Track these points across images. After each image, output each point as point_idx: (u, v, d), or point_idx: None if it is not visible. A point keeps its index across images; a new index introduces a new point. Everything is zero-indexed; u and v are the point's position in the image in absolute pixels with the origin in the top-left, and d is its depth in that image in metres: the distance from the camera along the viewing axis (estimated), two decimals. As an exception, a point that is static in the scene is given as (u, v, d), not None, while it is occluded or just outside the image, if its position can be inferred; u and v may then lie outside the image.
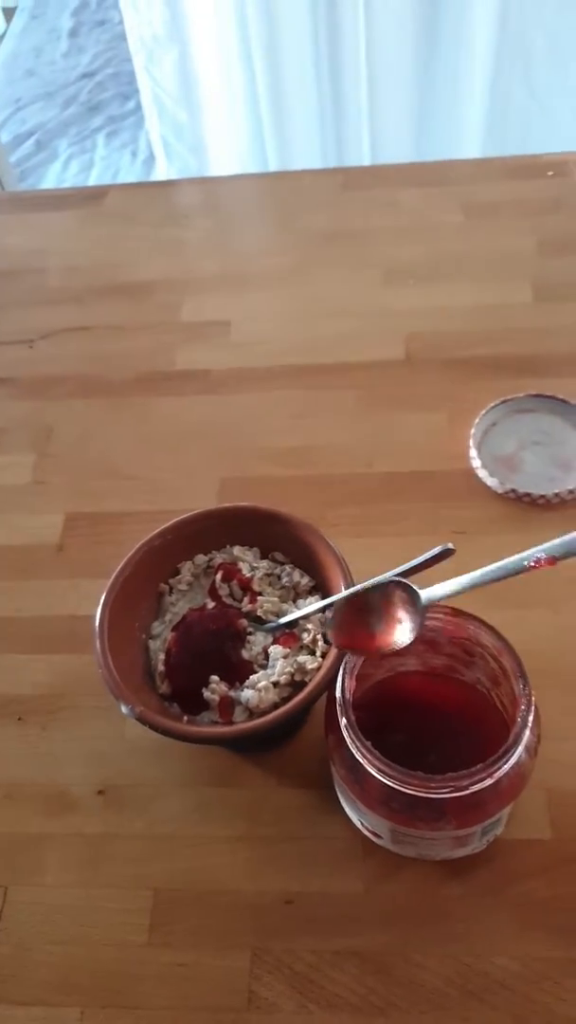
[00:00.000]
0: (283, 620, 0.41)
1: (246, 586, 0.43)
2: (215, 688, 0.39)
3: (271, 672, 0.39)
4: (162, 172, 1.67)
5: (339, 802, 0.42)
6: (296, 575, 0.43)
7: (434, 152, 1.39)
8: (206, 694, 0.39)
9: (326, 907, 0.41)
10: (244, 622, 0.41)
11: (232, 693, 0.39)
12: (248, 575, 0.43)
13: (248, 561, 0.44)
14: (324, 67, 1.38)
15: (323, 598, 0.42)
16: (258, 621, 0.42)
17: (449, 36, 1.27)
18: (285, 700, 0.39)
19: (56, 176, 2.03)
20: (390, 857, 0.41)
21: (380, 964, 0.39)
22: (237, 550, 0.44)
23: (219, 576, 0.43)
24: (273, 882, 0.42)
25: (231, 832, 0.43)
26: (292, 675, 0.39)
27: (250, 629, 0.41)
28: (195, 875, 0.42)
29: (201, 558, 0.44)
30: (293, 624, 0.41)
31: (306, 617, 0.41)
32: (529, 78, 1.27)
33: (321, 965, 0.39)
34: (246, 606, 0.42)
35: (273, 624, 0.41)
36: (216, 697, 0.39)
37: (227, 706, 0.39)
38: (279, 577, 0.44)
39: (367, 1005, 0.38)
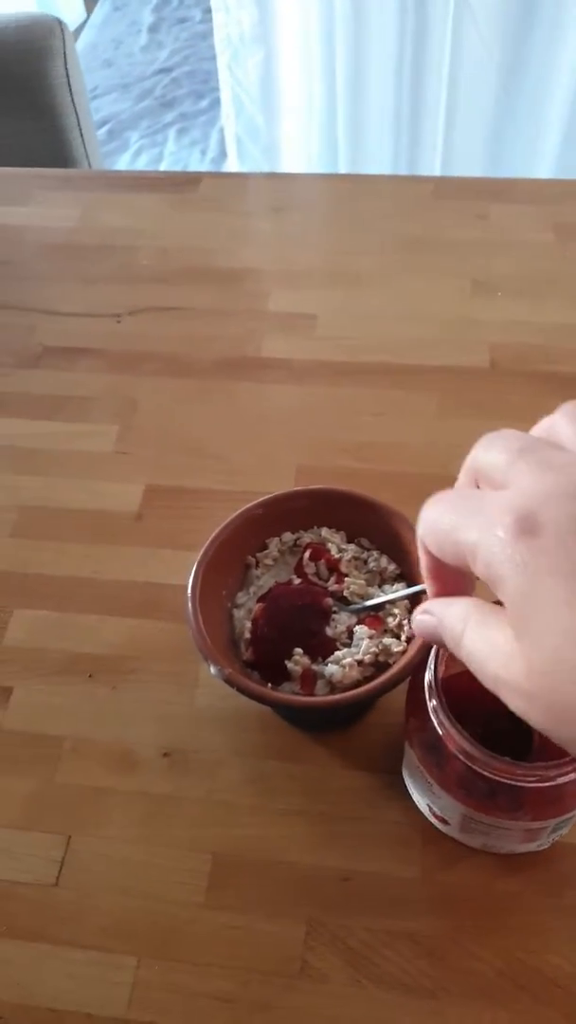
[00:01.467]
0: (370, 603, 0.42)
1: (333, 567, 0.43)
2: (299, 660, 0.40)
3: (356, 650, 0.40)
4: (233, 171, 1.69)
5: (401, 788, 0.43)
6: (383, 561, 0.44)
7: (505, 174, 1.40)
8: (289, 665, 0.40)
9: (382, 888, 0.42)
10: (330, 600, 0.42)
11: (315, 667, 0.40)
12: (336, 556, 0.44)
13: (336, 543, 0.44)
14: (405, 77, 1.40)
15: (409, 586, 0.42)
16: (343, 602, 0.43)
17: (534, 55, 1.28)
18: (367, 679, 0.40)
19: (126, 166, 2.06)
20: (449, 847, 0.42)
21: (433, 948, 0.40)
22: (325, 531, 0.45)
23: (307, 554, 0.44)
24: (330, 858, 0.43)
25: (291, 806, 0.44)
26: (376, 655, 0.40)
27: (335, 608, 0.42)
28: (254, 843, 0.43)
29: (288, 536, 0.45)
30: (379, 608, 0.42)
31: (392, 602, 0.42)
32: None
33: (374, 943, 0.40)
34: (332, 586, 0.43)
35: (359, 605, 0.42)
36: (299, 669, 0.40)
37: (309, 679, 0.40)
38: (365, 562, 0.44)
39: (418, 986, 0.39)
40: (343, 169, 1.56)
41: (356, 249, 0.72)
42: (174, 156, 2.11)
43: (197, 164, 2.07)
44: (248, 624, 0.42)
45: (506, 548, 0.21)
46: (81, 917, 0.41)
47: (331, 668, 0.40)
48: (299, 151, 1.61)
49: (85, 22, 2.58)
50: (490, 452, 0.24)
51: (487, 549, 0.22)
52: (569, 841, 0.41)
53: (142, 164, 2.08)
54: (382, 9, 1.32)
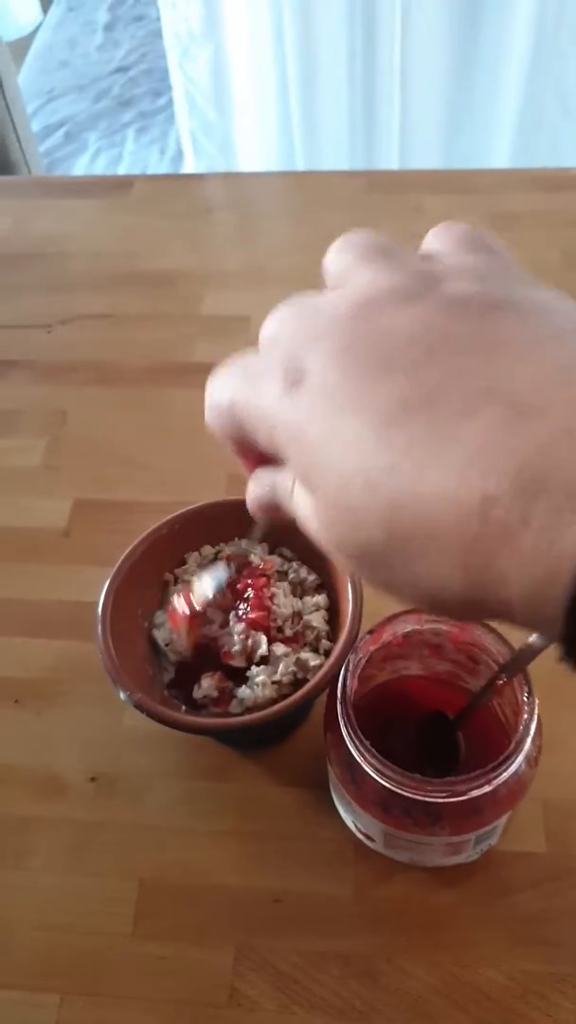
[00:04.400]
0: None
1: (259, 578, 0.42)
2: (210, 684, 0.39)
3: (271, 669, 0.39)
4: (190, 169, 1.67)
5: (333, 803, 0.42)
6: (303, 572, 0.43)
7: (463, 161, 1.39)
8: (204, 685, 0.39)
9: (314, 908, 0.40)
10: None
11: (232, 686, 0.39)
12: (259, 565, 0.42)
13: (258, 554, 0.43)
14: (357, 71, 1.39)
15: (329, 596, 0.41)
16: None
17: (484, 46, 1.27)
18: (284, 696, 0.38)
19: (84, 168, 2.04)
20: (382, 862, 0.40)
21: (366, 968, 0.39)
22: (245, 543, 0.44)
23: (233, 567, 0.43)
24: (261, 879, 0.41)
25: (221, 827, 0.43)
26: (295, 673, 0.39)
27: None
28: (182, 867, 0.42)
29: (208, 549, 0.44)
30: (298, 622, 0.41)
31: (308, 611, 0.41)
32: (562, 94, 1.27)
33: (306, 966, 0.39)
34: (252, 613, 0.42)
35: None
36: (215, 693, 0.39)
37: (225, 699, 0.39)
38: (286, 573, 0.43)
39: (350, 1009, 0.38)
40: (300, 163, 1.54)
41: (290, 247, 0.71)
42: (133, 156, 2.09)
43: (156, 163, 2.05)
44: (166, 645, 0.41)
45: (274, 410, 0.20)
46: (3, 956, 0.40)
47: (243, 691, 0.38)
48: (255, 146, 1.60)
49: (40, 24, 2.54)
50: (335, 259, 0.22)
51: (258, 414, 0.21)
52: (501, 849, 0.40)
53: (101, 165, 2.05)
54: (330, 1, 1.31)
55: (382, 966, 0.39)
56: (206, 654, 0.40)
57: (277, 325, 0.21)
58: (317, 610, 0.41)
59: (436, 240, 0.23)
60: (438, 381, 0.17)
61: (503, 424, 0.16)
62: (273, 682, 0.38)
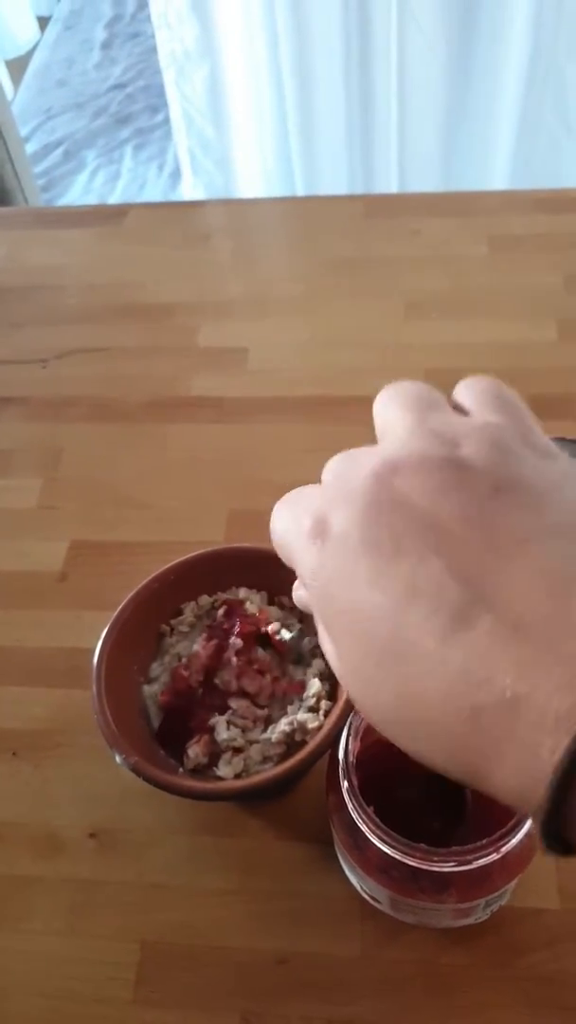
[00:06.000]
0: None
1: (250, 626, 0.41)
2: (197, 750, 0.38)
3: (269, 732, 0.38)
4: (188, 186, 1.67)
5: (338, 859, 0.40)
6: (299, 633, 0.42)
7: (462, 182, 1.38)
8: (191, 755, 0.38)
9: (321, 970, 0.39)
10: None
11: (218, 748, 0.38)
12: (252, 613, 0.41)
13: (256, 603, 0.42)
14: (354, 89, 1.38)
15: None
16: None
17: (481, 65, 1.26)
18: (282, 756, 0.37)
19: (83, 186, 2.04)
20: (389, 920, 0.39)
21: (374, 1036, 0.37)
22: (243, 592, 0.43)
23: (221, 611, 0.42)
24: (266, 940, 0.40)
25: (225, 885, 0.42)
26: (292, 734, 0.38)
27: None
28: (185, 929, 0.41)
29: (205, 599, 0.43)
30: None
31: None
32: (562, 111, 1.26)
33: (313, 1033, 0.38)
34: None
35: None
36: (204, 759, 0.38)
37: (215, 761, 0.38)
38: (279, 632, 0.42)
39: (359, 1080, 0.37)
40: (298, 180, 1.53)
41: (286, 275, 0.70)
42: (132, 173, 2.09)
43: (155, 180, 2.05)
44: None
45: (303, 554, 0.22)
46: None
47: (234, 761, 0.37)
48: (253, 163, 1.59)
49: (37, 43, 2.55)
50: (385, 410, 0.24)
51: (295, 554, 0.22)
52: (511, 905, 0.39)
53: (99, 183, 2.05)
54: (326, 19, 1.30)
55: (391, 1033, 0.37)
56: (191, 703, 0.39)
57: (330, 470, 0.23)
58: (316, 676, 0.40)
59: (465, 392, 0.25)
60: (439, 577, 0.19)
61: (492, 638, 0.18)
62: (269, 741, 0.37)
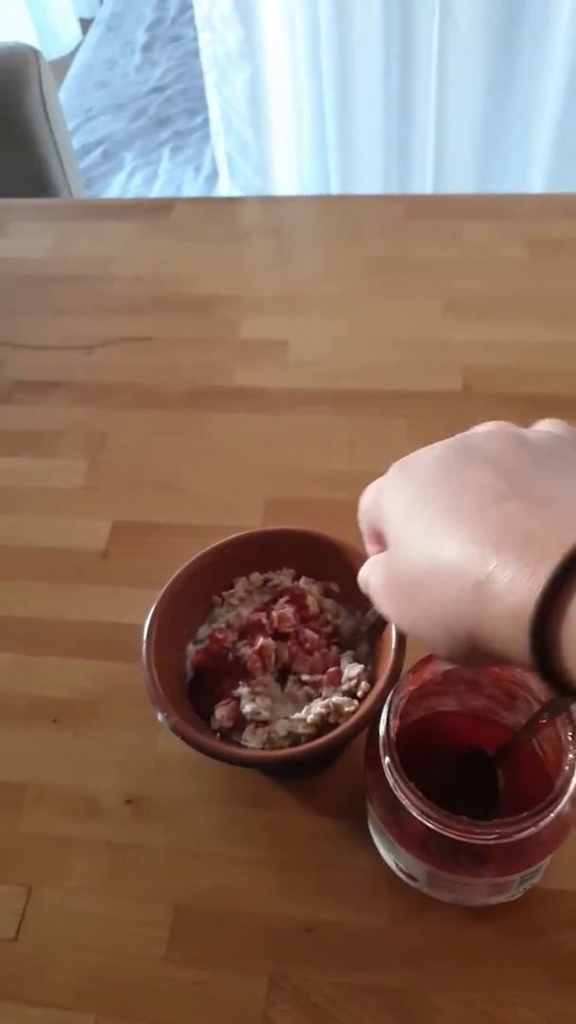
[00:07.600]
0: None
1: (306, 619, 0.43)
2: (224, 712, 0.40)
3: (304, 712, 0.39)
4: (224, 189, 1.69)
5: (369, 835, 0.42)
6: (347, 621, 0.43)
7: (497, 186, 1.39)
8: (218, 716, 0.40)
9: (347, 939, 0.40)
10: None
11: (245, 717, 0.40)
12: (314, 611, 0.43)
13: (315, 596, 0.44)
14: (393, 94, 1.40)
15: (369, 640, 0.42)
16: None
17: (521, 70, 1.27)
18: (311, 738, 0.39)
19: (120, 187, 2.07)
20: (418, 895, 0.40)
21: (399, 1003, 0.39)
22: (304, 582, 0.44)
23: (284, 600, 0.43)
24: (294, 908, 0.41)
25: (256, 854, 0.43)
26: (326, 716, 0.39)
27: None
28: (217, 894, 0.42)
29: (257, 576, 0.45)
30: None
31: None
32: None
33: (338, 998, 0.39)
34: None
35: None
36: (229, 723, 0.39)
37: (239, 728, 0.39)
38: (328, 622, 0.44)
39: (383, 1044, 0.38)
40: (335, 185, 1.55)
41: (328, 272, 0.71)
42: (168, 175, 2.11)
43: (191, 182, 2.07)
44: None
45: (383, 482, 0.30)
46: (40, 973, 0.41)
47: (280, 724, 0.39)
48: (290, 167, 1.61)
49: (80, 44, 2.59)
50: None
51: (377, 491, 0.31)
52: (541, 886, 0.40)
53: (137, 183, 2.08)
54: (367, 25, 1.32)
55: (414, 1001, 0.39)
56: (220, 667, 0.41)
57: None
58: (355, 661, 0.41)
59: (539, 424, 0.31)
60: (492, 481, 0.26)
61: (522, 506, 0.25)
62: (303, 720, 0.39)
